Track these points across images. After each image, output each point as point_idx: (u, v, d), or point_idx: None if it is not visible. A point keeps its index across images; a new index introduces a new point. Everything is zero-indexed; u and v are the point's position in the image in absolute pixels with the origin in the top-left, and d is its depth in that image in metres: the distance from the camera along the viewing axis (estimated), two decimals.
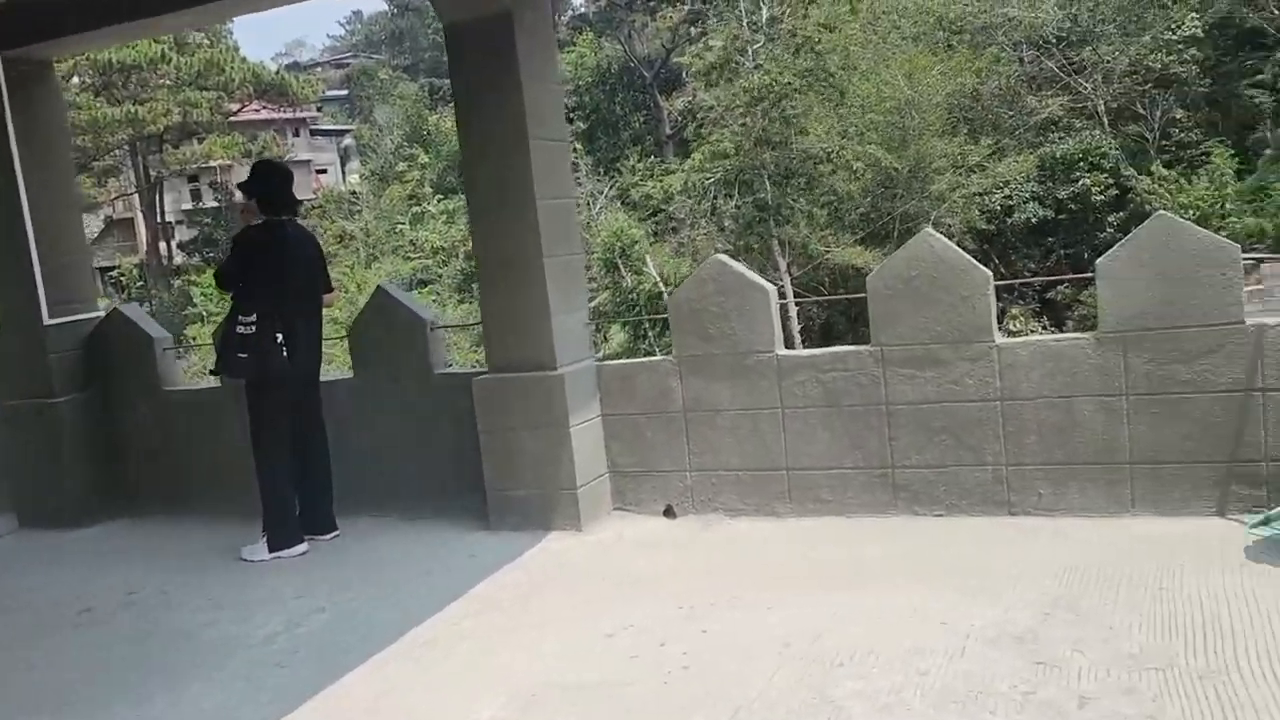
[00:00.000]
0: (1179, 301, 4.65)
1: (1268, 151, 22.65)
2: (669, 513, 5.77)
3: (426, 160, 41.95)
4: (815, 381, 5.38)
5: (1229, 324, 4.60)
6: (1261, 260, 17.09)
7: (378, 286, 6.98)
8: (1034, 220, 23.11)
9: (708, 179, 19.76)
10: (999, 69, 24.75)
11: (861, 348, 5.32)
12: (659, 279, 21.32)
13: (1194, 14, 24.44)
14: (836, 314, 24.28)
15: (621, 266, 22.28)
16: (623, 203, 27.11)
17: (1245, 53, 25.47)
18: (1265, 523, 4.51)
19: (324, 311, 6.32)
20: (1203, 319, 4.62)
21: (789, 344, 21.38)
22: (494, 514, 5.86)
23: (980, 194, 22.66)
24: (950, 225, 22.40)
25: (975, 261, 5.02)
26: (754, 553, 5.11)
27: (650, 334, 22.39)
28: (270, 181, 6.12)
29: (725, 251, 22.89)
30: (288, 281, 5.94)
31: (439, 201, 39.83)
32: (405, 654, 4.29)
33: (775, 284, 20.56)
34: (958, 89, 22.85)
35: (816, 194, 19.90)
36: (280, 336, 5.84)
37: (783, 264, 19.57)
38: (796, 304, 19.33)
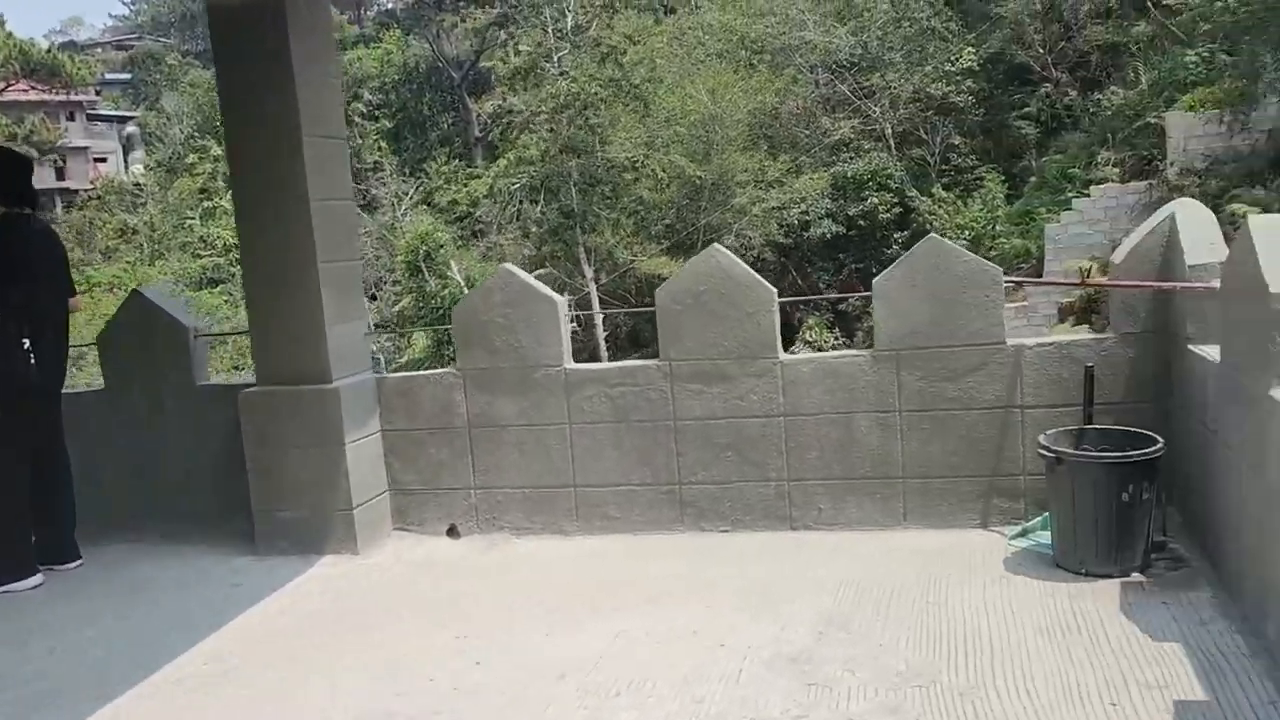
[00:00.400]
0: (947, 321, 4.82)
1: (1033, 179, 24.55)
2: (453, 532, 5.50)
3: (219, 153, 39.48)
4: (604, 396, 5.26)
5: (991, 344, 4.80)
6: (1020, 283, 18.45)
7: (133, 290, 6.35)
8: (828, 235, 24.11)
9: (513, 184, 19.48)
10: (796, 90, 25.72)
11: (650, 362, 5.24)
12: (464, 284, 20.86)
13: (971, 48, 26.24)
14: (643, 321, 24.50)
15: (425, 270, 21.65)
16: (429, 205, 26.40)
17: (1015, 87, 27.55)
18: (1023, 534, 4.73)
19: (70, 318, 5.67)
20: (968, 338, 4.80)
21: (594, 352, 21.42)
22: (262, 538, 5.41)
23: (779, 208, 23.43)
24: (751, 237, 23.06)
25: (760, 278, 5.04)
26: (538, 574, 4.92)
27: (452, 340, 21.87)
28: (8, 172, 5.44)
29: (531, 258, 22.74)
30: (38, 282, 5.30)
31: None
32: (150, 696, 3.84)
33: (581, 291, 20.56)
34: (759, 106, 23.56)
35: (622, 203, 20.01)
36: (27, 343, 5.20)
37: (588, 271, 19.55)
38: (603, 314, 19.34)
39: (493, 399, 5.38)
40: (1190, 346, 4.26)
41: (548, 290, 5.37)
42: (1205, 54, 20.49)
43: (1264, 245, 3.33)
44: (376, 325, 29.48)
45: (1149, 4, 23.08)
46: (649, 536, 5.24)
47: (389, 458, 5.54)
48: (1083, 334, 4.77)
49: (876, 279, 4.93)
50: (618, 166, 19.52)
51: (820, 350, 21.68)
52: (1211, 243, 4.33)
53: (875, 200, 24.01)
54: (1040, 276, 20.36)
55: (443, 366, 5.59)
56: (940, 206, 24.71)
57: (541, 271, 22.31)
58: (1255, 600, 3.49)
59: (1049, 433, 4.43)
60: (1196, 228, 4.41)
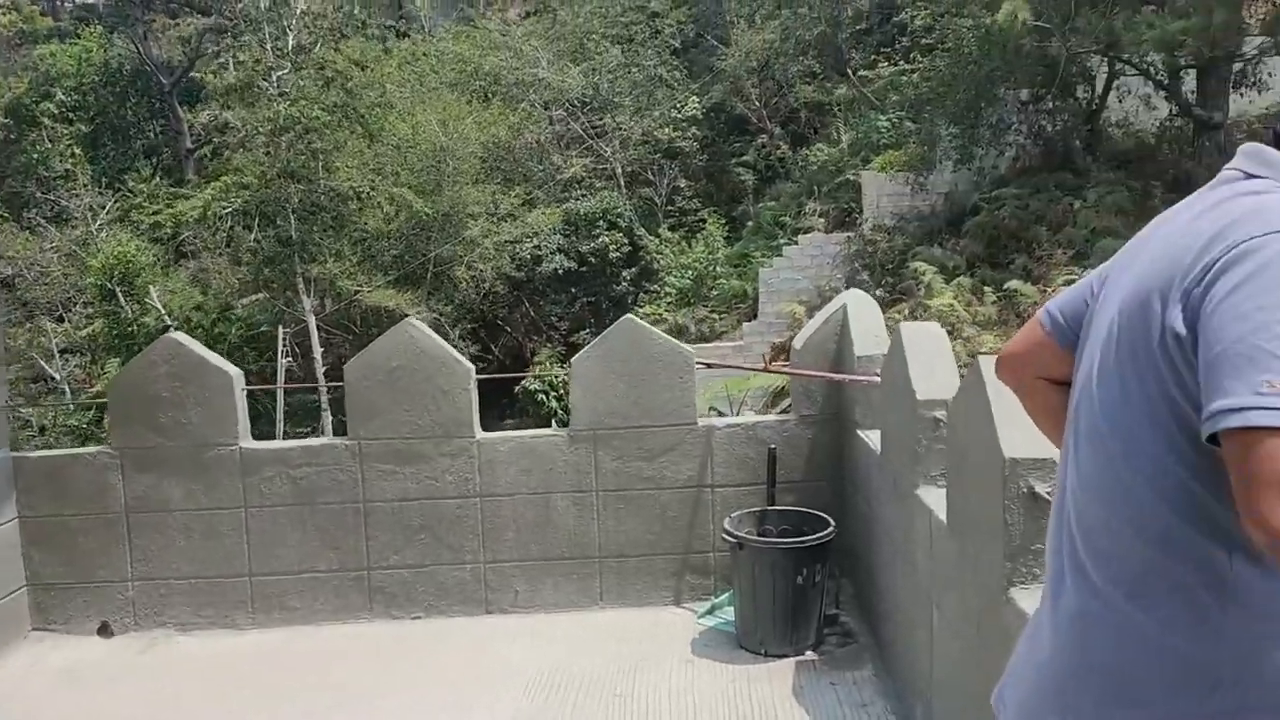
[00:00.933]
0: (642, 401, 4.83)
1: (750, 223, 26.02)
2: (104, 631, 4.85)
3: None
4: (285, 478, 4.84)
5: (684, 424, 4.86)
6: (710, 365, 19.42)
7: None
8: (560, 270, 24.33)
9: (226, 208, 18.10)
10: (531, 125, 25.85)
11: (338, 440, 4.88)
12: (163, 311, 19.09)
13: (695, 97, 27.51)
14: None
15: (120, 295, 19.63)
16: (128, 222, 24.04)
17: (735, 136, 29.20)
18: (711, 611, 4.80)
19: None
20: (663, 419, 4.84)
21: (309, 374, 20.26)
22: None
23: (512, 242, 23.36)
24: (483, 270, 22.81)
25: (456, 354, 4.84)
26: (200, 679, 4.42)
27: None
28: None
29: (245, 284, 21.24)
30: None
31: None
32: None
33: (300, 321, 19.42)
34: (492, 139, 23.41)
35: (347, 232, 19.10)
36: None
37: (307, 302, 18.47)
38: (322, 345, 18.37)
39: (157, 481, 4.81)
40: (859, 432, 4.49)
41: (222, 361, 4.89)
42: (895, 119, 22.63)
43: (913, 354, 3.53)
44: (63, 350, 26.53)
45: (848, 71, 25.20)
46: (336, 627, 4.87)
47: (28, 548, 4.82)
48: (768, 416, 4.94)
49: (575, 359, 4.87)
50: (341, 195, 18.64)
51: (547, 391, 21.76)
52: (876, 335, 4.60)
53: (606, 239, 24.51)
54: (755, 316, 21.59)
55: (68, 450, 4.85)
56: (667, 246, 25.62)
57: (255, 298, 20.91)
58: (906, 683, 3.68)
59: (733, 515, 4.53)
60: (864, 318, 4.68)
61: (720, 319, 23.30)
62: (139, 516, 4.83)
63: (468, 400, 4.84)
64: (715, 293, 23.77)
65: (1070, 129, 17.85)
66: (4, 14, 36.03)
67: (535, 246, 24.21)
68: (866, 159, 22.29)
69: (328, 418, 19.09)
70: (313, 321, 18.40)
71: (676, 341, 4.87)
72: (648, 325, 4.89)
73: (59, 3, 43.45)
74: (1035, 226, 14.64)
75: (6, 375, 4.98)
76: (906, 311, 12.81)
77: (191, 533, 4.84)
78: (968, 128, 17.52)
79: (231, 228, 18.64)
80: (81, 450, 4.90)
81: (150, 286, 19.40)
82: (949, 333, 11.03)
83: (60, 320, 26.96)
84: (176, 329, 20.30)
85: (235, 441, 4.83)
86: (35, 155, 30.68)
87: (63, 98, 33.72)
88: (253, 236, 18.04)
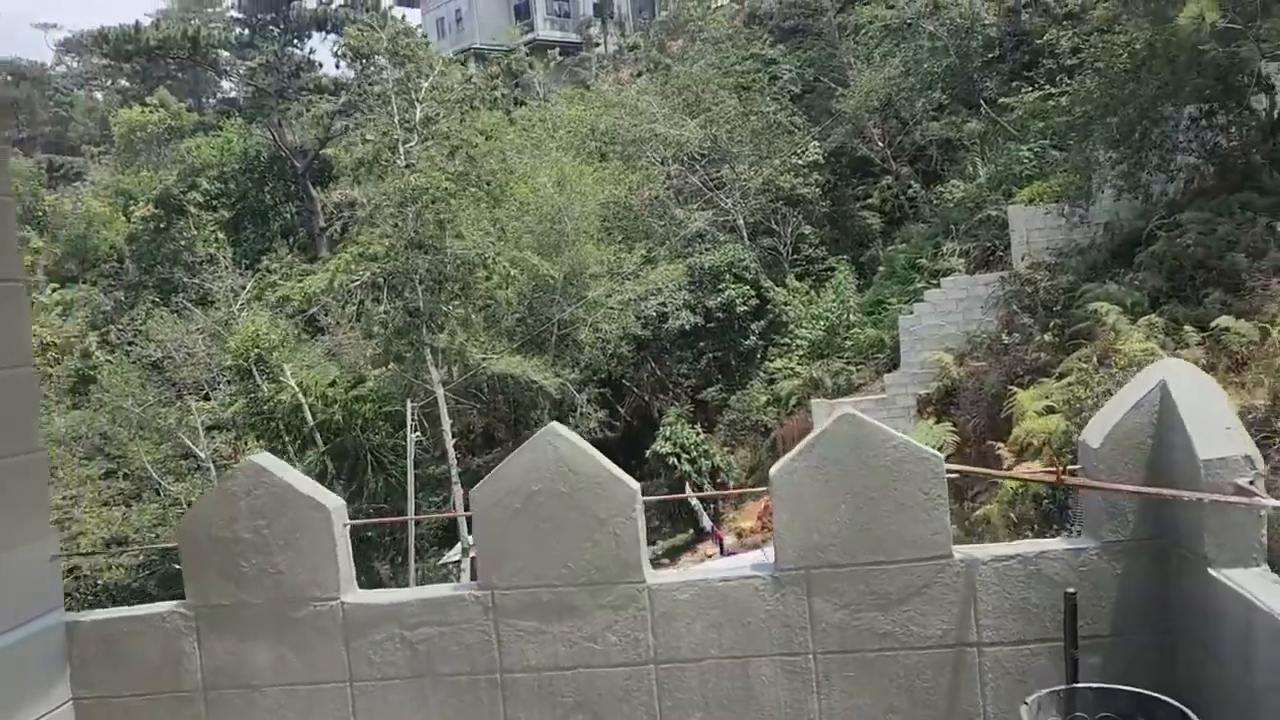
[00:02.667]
0: (873, 528, 3.40)
1: (881, 268, 24.28)
2: None
3: (40, 245, 35.95)
4: (400, 641, 3.58)
5: (934, 558, 3.40)
6: (965, 473, 17.80)
7: None
8: (686, 327, 23.10)
9: (354, 281, 17.57)
10: (649, 181, 24.91)
11: (465, 590, 3.61)
12: (297, 389, 18.63)
13: (816, 142, 26.08)
14: (495, 420, 22.78)
15: (256, 373, 19.31)
16: (263, 300, 24.08)
17: (858, 179, 27.60)
18: None
19: None
20: (902, 551, 3.39)
21: (438, 442, 19.41)
22: None
23: (635, 300, 22.31)
24: (607, 330, 21.78)
25: (617, 470, 3.52)
26: None
27: (291, 449, 19.51)
28: None
29: (374, 357, 20.77)
30: None
31: (54, 291, 34.05)
32: None
33: (428, 394, 18.67)
34: (610, 198, 22.53)
35: (472, 300, 18.35)
36: None
37: (435, 374, 17.69)
38: (450, 416, 17.52)
39: (238, 646, 3.63)
40: (1213, 572, 2.95)
41: (317, 489, 3.69)
42: (1038, 149, 20.69)
43: None
44: (210, 427, 26.69)
45: (981, 102, 23.38)
46: None
47: None
48: (1054, 544, 3.41)
49: (774, 471, 3.47)
50: (467, 263, 17.91)
51: (679, 454, 20.35)
52: (1227, 426, 3.07)
53: (732, 291, 23.19)
54: (896, 366, 19.78)
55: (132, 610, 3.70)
56: (795, 296, 24.10)
57: (385, 370, 20.34)
58: None
59: (1032, 699, 3.02)
60: (1201, 402, 3.15)
61: (857, 371, 21.56)
62: (218, 695, 3.64)
63: (633, 532, 3.50)
64: (850, 343, 22.05)
65: (1249, 144, 15.65)
66: (152, 112, 37.58)
67: (660, 304, 23.10)
68: (1009, 193, 20.37)
69: (458, 490, 18.18)
70: (440, 392, 17.60)
71: (918, 444, 3.43)
72: (875, 422, 3.46)
73: (204, 100, 45.35)
74: (1230, 254, 12.57)
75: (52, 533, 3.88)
76: (1095, 359, 10.98)
77: (285, 713, 3.62)
78: (1132, 151, 15.53)
79: (361, 301, 18.10)
80: (148, 610, 3.75)
81: (284, 365, 19.03)
82: None
83: (206, 399, 27.24)
84: (310, 405, 19.94)
85: (336, 594, 3.61)
86: (182, 242, 31.51)
87: (207, 186, 34.76)
88: (381, 309, 17.45)
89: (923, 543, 3.39)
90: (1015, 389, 12.51)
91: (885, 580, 3.40)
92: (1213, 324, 10.65)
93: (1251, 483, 2.92)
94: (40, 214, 37.74)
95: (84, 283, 34.39)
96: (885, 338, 21.12)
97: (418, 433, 16.76)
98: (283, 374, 18.93)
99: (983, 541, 11.59)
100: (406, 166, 17.87)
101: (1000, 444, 11.19)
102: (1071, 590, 3.23)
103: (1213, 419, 3.09)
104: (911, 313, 19.16)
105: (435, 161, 17.37)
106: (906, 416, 17.96)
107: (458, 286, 17.82)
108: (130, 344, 28.57)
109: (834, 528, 3.40)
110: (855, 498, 3.39)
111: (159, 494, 24.59)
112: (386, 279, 17.53)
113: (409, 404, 16.95)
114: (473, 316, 18.26)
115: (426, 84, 18.66)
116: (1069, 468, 3.40)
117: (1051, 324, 13.52)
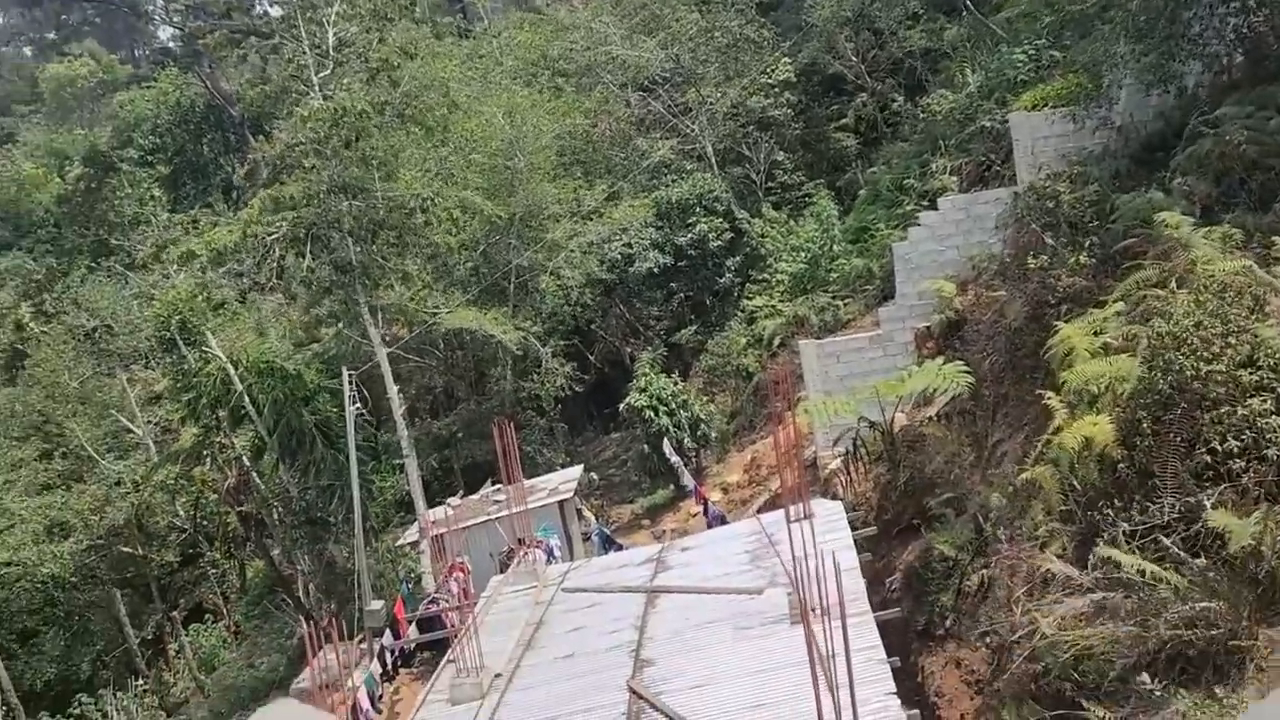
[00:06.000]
0: None
1: (861, 192, 21.49)
2: None
3: None
4: None
5: None
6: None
7: None
8: (655, 270, 20.26)
9: (270, 233, 14.53)
10: (608, 111, 21.82)
11: None
12: (225, 359, 15.70)
13: (786, 59, 23.03)
14: (455, 378, 20.01)
15: (180, 343, 16.35)
16: (171, 260, 21.03)
17: (830, 98, 24.63)
18: None
19: None
20: None
21: (387, 415, 16.54)
22: None
23: (599, 242, 19.42)
24: (569, 277, 18.95)
25: None
26: None
27: (223, 426, 16.65)
28: None
29: (303, 323, 17.89)
30: None
31: None
32: None
33: (368, 358, 15.78)
34: (567, 130, 19.48)
35: (412, 249, 15.42)
36: None
37: (375, 334, 14.84)
38: (405, 377, 14.72)
39: None
40: None
41: None
42: (1032, 51, 17.84)
43: None
44: (153, 399, 23.78)
45: (964, 5, 20.38)
46: None
47: None
48: None
49: None
50: (403, 207, 14.93)
51: (656, 407, 17.58)
52: None
53: (704, 226, 20.33)
54: (890, 297, 17.13)
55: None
56: (772, 227, 21.31)
57: (327, 335, 17.44)
58: None
59: None
60: None
61: (844, 305, 18.90)
62: None
63: None
64: (835, 275, 19.35)
65: None
66: (82, 65, 33.67)
67: (625, 245, 20.27)
68: (1003, 100, 17.55)
69: (412, 463, 15.47)
70: (383, 354, 14.77)
71: None
72: None
73: (136, 51, 41.26)
74: None
75: None
76: (1174, 283, 8.32)
77: None
78: (1158, 40, 12.69)
79: (282, 256, 15.08)
80: None
81: (207, 332, 16.11)
82: (1250, 312, 6.38)
83: (149, 368, 24.24)
84: (241, 376, 17.02)
85: None
86: (114, 202, 28.13)
87: (141, 141, 31.16)
88: (305, 264, 14.44)
89: None
90: (1052, 322, 9.87)
91: None
92: None
93: None
94: None
95: (18, 250, 30.94)
96: (874, 267, 18.46)
97: (357, 404, 13.97)
98: (208, 343, 15.97)
99: (1030, 512, 8.95)
100: (324, 98, 14.77)
101: (1050, 393, 8.57)
102: None
103: None
104: (906, 238, 16.42)
105: (353, 91, 14.28)
106: (905, 354, 15.36)
107: (394, 235, 14.85)
108: (63, 313, 25.41)
109: None
110: None
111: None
112: (308, 230, 14.54)
113: (344, 370, 14.10)
114: (414, 268, 15.31)
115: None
116: None
117: (1088, 243, 10.83)
